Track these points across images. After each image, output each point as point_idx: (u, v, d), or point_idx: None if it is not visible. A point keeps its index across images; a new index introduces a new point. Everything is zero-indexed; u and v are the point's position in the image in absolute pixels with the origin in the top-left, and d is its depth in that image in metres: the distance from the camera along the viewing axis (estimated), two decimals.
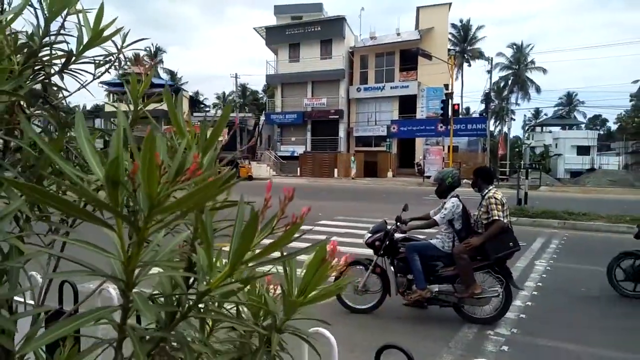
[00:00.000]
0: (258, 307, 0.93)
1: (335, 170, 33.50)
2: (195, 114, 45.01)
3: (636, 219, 12.07)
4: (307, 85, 37.52)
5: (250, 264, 0.68)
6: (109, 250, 0.66)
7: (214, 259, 0.69)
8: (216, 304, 0.81)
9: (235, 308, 0.94)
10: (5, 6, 1.13)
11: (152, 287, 0.79)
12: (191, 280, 0.86)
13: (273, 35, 38.31)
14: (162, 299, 0.75)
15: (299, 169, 34.83)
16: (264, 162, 34.92)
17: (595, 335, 4.91)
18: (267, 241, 0.72)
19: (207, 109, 60.28)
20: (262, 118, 41.67)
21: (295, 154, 36.34)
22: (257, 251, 0.69)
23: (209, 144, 0.73)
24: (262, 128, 40.84)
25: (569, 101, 71.63)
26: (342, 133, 36.65)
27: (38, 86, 1.22)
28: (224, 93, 66.39)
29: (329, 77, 36.21)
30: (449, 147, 27.95)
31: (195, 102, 51.16)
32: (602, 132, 75.58)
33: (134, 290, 0.65)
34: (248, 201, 0.80)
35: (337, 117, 35.86)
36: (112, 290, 2.33)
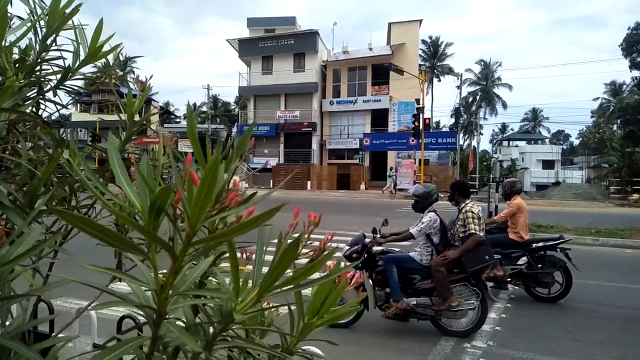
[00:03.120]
0: (267, 329, 0.91)
1: (309, 182, 33.49)
2: (165, 125, 44.41)
3: (600, 232, 12.53)
4: (280, 98, 37.55)
5: (276, 291, 0.67)
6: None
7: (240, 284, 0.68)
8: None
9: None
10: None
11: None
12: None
13: (246, 48, 38.29)
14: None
15: (271, 181, 34.67)
16: (236, 173, 34.52)
17: (569, 346, 5.04)
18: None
19: (178, 119, 59.51)
20: (234, 129, 41.39)
21: (268, 166, 36.21)
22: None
23: (231, 167, 0.71)
24: (234, 140, 40.52)
25: (534, 116, 74.09)
26: (315, 145, 36.76)
27: None
28: (194, 104, 65.70)
29: (302, 90, 36.37)
30: (420, 160, 28.39)
31: (166, 113, 50.49)
32: (565, 147, 78.29)
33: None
34: (267, 224, 0.79)
35: (310, 129, 35.98)
36: (93, 312, 2.26)
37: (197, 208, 0.56)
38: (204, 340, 0.70)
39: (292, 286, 0.68)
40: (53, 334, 1.25)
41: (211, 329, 0.73)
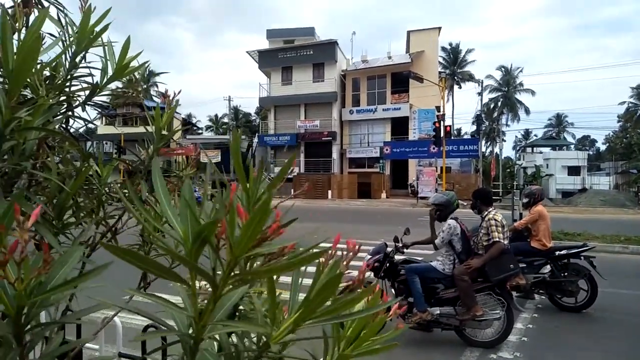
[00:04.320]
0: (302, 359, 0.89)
1: (329, 191, 33.49)
2: (188, 137, 45.08)
3: (630, 239, 12.15)
4: (300, 108, 37.77)
5: (312, 321, 0.66)
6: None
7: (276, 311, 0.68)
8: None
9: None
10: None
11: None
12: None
13: (266, 59, 38.71)
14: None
15: (292, 190, 34.80)
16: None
17: (598, 358, 4.89)
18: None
19: (200, 131, 60.37)
20: (255, 140, 41.75)
21: (289, 176, 36.35)
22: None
23: (270, 195, 0.69)
24: (255, 150, 40.93)
25: (558, 122, 72.75)
26: (335, 154, 36.78)
27: None
28: (216, 115, 66.67)
29: (322, 100, 36.51)
30: (441, 168, 28.12)
31: (189, 124, 51.27)
32: (591, 153, 76.60)
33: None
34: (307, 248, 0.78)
35: (330, 138, 36.04)
36: (117, 319, 2.30)
37: (243, 243, 0.56)
38: None
39: (329, 317, 0.67)
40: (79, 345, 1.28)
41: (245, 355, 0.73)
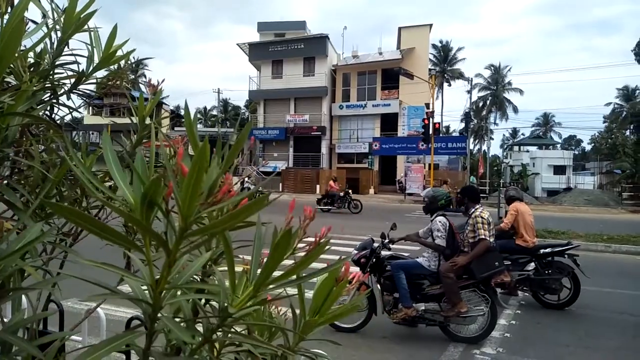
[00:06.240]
0: (267, 328, 0.92)
1: (318, 186, 33.48)
2: (176, 128, 44.68)
3: (612, 238, 12.37)
4: (290, 102, 37.66)
5: (273, 286, 0.68)
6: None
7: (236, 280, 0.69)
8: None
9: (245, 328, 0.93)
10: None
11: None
12: (202, 301, 0.85)
13: (256, 52, 38.48)
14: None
15: (281, 184, 34.70)
16: (246, 177, 34.65)
17: (580, 353, 4.97)
18: (286, 262, 0.73)
19: None
20: None
21: (278, 170, 36.27)
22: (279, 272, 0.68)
23: (228, 163, 0.72)
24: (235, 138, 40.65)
25: (546, 121, 73.57)
26: (324, 149, 36.77)
27: None
28: (205, 107, 66.21)
29: (312, 94, 36.43)
30: (429, 165, 28.29)
31: (177, 117, 50.78)
32: (577, 153, 77.58)
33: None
34: (264, 222, 0.79)
35: (320, 133, 36.01)
36: (100, 310, 2.28)
37: (187, 198, 0.56)
38: (200, 336, 0.71)
39: (289, 280, 0.69)
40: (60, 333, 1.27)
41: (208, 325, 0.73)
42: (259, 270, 0.70)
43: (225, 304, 0.70)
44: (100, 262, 0.66)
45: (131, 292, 0.69)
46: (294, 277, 0.72)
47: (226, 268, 0.77)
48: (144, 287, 0.69)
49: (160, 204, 0.62)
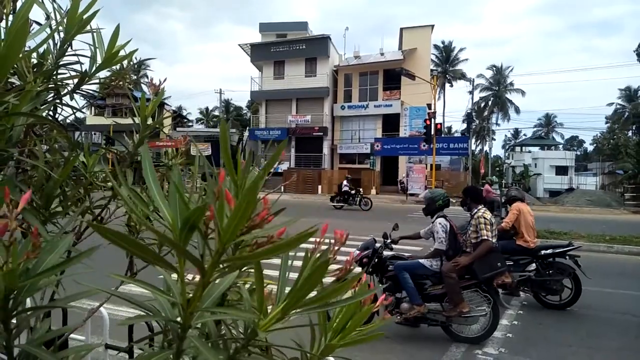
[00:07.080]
0: (288, 347, 0.89)
1: (319, 186, 33.49)
2: (178, 129, 44.75)
3: (614, 239, 12.34)
4: (292, 102, 37.65)
5: (300, 310, 0.67)
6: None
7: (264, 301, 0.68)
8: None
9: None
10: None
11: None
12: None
13: (258, 52, 38.48)
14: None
15: (282, 185, 34.63)
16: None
17: (582, 354, 4.97)
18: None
19: (190, 123, 59.94)
20: (246, 134, 41.57)
21: (279, 170, 36.25)
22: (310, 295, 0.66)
23: (258, 181, 0.66)
24: (245, 144, 40.76)
25: (548, 122, 73.42)
26: (326, 150, 36.76)
27: None
28: (207, 108, 66.24)
29: (314, 95, 36.41)
30: (431, 165, 28.25)
31: (179, 117, 50.90)
32: (579, 153, 77.45)
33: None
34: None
35: (321, 134, 35.99)
36: (103, 310, 2.28)
37: (231, 229, 0.56)
38: (225, 356, 0.71)
39: (317, 305, 0.67)
40: (65, 334, 1.27)
41: (234, 344, 0.73)
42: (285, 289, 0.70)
43: (252, 325, 0.70)
44: (135, 279, 0.67)
45: (130, 293, 0.69)
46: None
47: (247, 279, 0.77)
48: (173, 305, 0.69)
49: (201, 228, 0.61)
